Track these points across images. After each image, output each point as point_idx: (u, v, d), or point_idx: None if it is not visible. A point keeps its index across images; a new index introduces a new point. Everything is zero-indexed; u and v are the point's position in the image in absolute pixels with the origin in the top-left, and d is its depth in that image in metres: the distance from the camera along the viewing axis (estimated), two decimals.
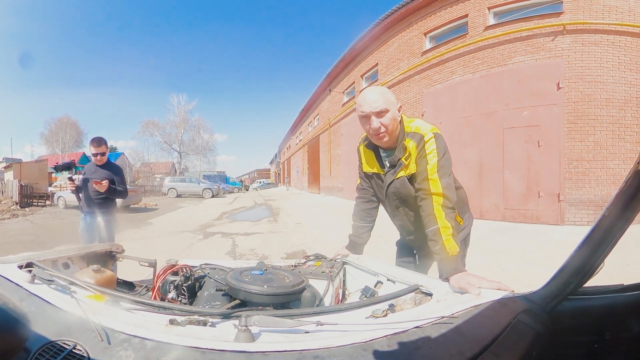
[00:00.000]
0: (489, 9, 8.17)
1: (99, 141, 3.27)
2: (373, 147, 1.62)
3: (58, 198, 13.98)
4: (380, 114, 1.44)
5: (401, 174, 1.54)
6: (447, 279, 1.23)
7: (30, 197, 14.42)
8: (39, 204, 14.17)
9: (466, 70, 8.60)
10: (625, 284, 0.95)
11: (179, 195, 21.18)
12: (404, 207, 1.63)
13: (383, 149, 1.59)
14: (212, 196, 21.03)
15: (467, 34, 8.59)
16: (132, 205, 13.75)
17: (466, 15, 8.62)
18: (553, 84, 6.95)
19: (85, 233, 3.29)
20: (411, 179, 1.52)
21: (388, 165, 1.58)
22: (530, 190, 7.30)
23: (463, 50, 8.64)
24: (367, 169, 1.70)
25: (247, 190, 33.25)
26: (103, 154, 3.26)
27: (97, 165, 3.28)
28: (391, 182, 1.58)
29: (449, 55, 8.99)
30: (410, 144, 1.49)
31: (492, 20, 8.19)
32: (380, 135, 1.47)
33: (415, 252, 1.88)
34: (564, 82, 6.85)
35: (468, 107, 8.25)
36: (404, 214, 1.66)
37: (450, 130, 8.34)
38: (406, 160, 1.50)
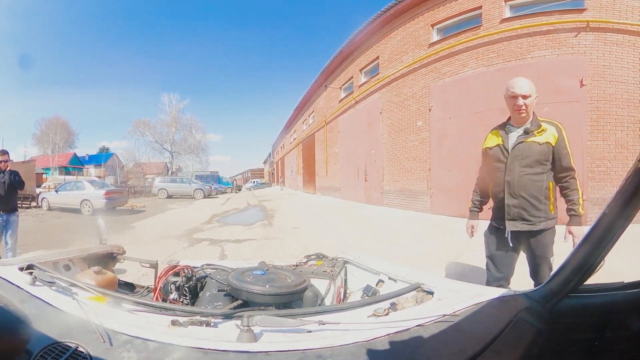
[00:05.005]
0: (505, 1, 7.90)
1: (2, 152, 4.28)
2: (500, 128, 2.16)
3: (42, 200, 13.70)
4: (525, 96, 1.99)
5: (531, 139, 2.01)
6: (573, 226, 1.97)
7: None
8: (24, 205, 13.69)
9: (479, 63, 8.24)
10: (625, 281, 0.95)
11: (169, 196, 20.44)
12: (520, 165, 2.02)
13: (513, 126, 2.10)
14: (204, 197, 20.45)
15: (481, 25, 8.26)
16: (118, 207, 13.27)
17: (480, 7, 8.30)
18: (575, 81, 6.76)
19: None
20: (540, 147, 1.99)
21: (516, 136, 2.07)
22: None
23: (476, 43, 8.29)
24: (488, 144, 2.19)
25: (239, 190, 31.92)
26: (6, 162, 4.16)
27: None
28: (520, 142, 2.03)
29: (460, 47, 8.61)
30: (549, 127, 2.02)
31: (508, 13, 7.92)
32: (521, 111, 2.00)
33: (508, 232, 2.08)
34: (586, 79, 6.69)
35: (481, 102, 7.78)
36: (518, 171, 2.03)
37: (461, 126, 8.10)
38: (538, 134, 2.01)
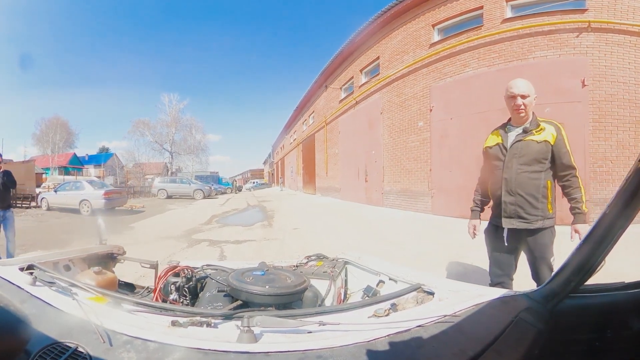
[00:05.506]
0: (506, 1, 7.89)
1: None
2: (500, 128, 2.18)
3: (42, 200, 13.63)
4: (524, 96, 2.02)
5: (529, 138, 2.03)
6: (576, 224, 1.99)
7: (14, 199, 14.10)
8: (23, 205, 13.75)
9: (481, 63, 8.23)
10: (626, 281, 0.95)
11: (169, 197, 20.32)
12: (518, 162, 2.04)
13: (513, 126, 2.12)
14: (204, 197, 20.30)
15: (482, 25, 8.24)
16: (117, 208, 13.16)
17: (481, 7, 8.29)
18: (577, 81, 6.75)
19: None
20: (538, 146, 2.01)
21: (515, 135, 2.09)
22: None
23: (477, 43, 8.27)
24: (489, 143, 2.22)
25: (239, 191, 31.51)
26: None
27: None
28: (518, 141, 2.06)
29: (461, 47, 8.60)
30: (547, 127, 2.04)
31: (509, 13, 7.91)
32: (520, 110, 2.03)
33: (504, 231, 2.09)
34: (588, 79, 6.67)
35: (483, 102, 7.76)
36: (516, 169, 2.05)
37: (462, 126, 8.09)
38: (536, 133, 2.03)
